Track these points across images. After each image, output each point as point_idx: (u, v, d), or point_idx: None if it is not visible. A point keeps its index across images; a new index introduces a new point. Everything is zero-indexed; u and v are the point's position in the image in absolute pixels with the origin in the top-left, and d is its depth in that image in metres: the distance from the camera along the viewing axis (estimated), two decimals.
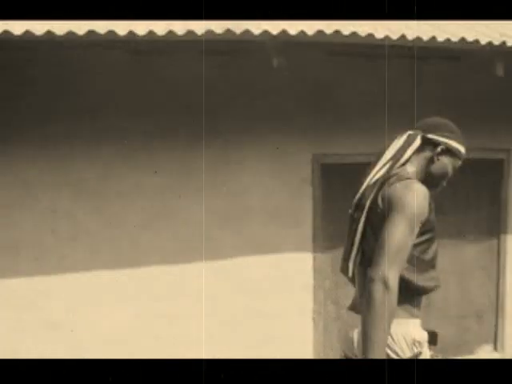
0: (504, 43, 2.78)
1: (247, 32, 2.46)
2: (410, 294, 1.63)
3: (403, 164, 1.67)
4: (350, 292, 3.49)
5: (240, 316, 3.30)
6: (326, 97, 3.28)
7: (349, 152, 3.30)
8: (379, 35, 2.58)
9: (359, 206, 1.67)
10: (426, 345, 1.64)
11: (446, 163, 1.73)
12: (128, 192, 3.12)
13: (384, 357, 1.48)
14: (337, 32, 2.53)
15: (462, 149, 1.77)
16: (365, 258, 1.63)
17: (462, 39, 2.70)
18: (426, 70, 3.32)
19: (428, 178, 1.70)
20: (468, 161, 3.64)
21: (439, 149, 1.70)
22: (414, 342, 1.59)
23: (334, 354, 3.51)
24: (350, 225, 1.73)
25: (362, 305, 1.52)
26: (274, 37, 2.50)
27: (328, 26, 2.56)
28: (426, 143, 1.70)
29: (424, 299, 1.77)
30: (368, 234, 1.62)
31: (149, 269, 3.21)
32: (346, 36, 2.55)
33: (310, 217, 3.31)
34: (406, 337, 1.57)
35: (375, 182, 1.64)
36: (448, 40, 2.67)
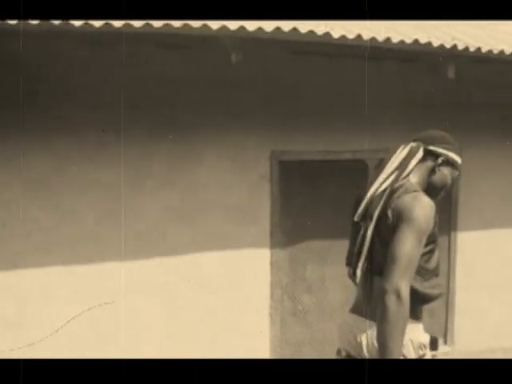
0: (455, 46, 2.88)
1: (205, 27, 2.46)
2: (416, 302, 1.68)
3: (407, 175, 1.76)
4: (306, 288, 3.58)
5: (197, 312, 3.30)
6: (285, 94, 3.31)
7: (307, 149, 3.35)
8: (335, 34, 2.63)
9: (366, 215, 1.73)
10: (428, 347, 1.75)
11: (445, 174, 1.82)
12: (83, 187, 3.07)
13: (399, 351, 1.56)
14: (294, 30, 2.56)
15: (459, 160, 1.87)
16: (372, 266, 1.71)
17: (416, 41, 2.78)
18: (383, 70, 3.41)
19: (429, 188, 1.80)
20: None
21: (440, 160, 1.80)
22: (420, 345, 1.69)
23: (290, 349, 3.56)
24: (355, 231, 1.79)
25: (372, 312, 1.65)
26: (232, 32, 2.51)
27: (288, 25, 2.59)
28: (428, 155, 1.79)
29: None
30: (376, 244, 1.69)
31: (104, 265, 3.16)
32: (303, 34, 2.58)
33: (267, 213, 3.33)
34: (413, 340, 1.66)
35: (382, 193, 1.71)
36: (402, 41, 2.75)
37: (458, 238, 3.83)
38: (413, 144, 1.81)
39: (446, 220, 3.82)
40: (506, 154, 3.88)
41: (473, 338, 3.98)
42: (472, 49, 2.91)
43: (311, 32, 2.59)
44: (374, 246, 1.70)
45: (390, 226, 1.63)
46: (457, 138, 3.81)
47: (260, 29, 2.51)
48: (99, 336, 3.10)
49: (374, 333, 1.64)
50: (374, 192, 1.74)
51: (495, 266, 3.94)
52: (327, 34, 2.62)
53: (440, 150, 1.81)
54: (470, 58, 3.07)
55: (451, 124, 3.68)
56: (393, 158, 1.79)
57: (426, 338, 1.73)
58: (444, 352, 3.97)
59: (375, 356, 1.66)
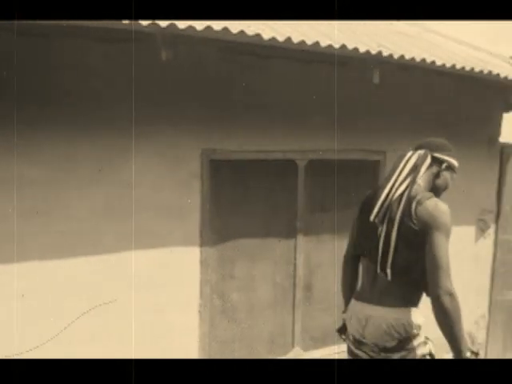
0: (380, 53, 3.00)
1: (135, 22, 2.40)
2: (420, 289, 2.03)
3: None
4: (235, 285, 3.59)
5: (125, 311, 3.22)
6: (217, 93, 3.30)
7: (238, 148, 3.37)
8: (266, 36, 2.66)
9: (386, 218, 1.98)
10: (422, 328, 2.04)
11: (447, 177, 2.11)
12: (6, 184, 2.91)
13: (467, 346, 1.86)
14: (225, 29, 2.56)
15: (457, 164, 2.14)
16: (393, 264, 1.97)
17: (343, 46, 2.87)
18: (313, 72, 3.48)
19: (433, 191, 2.05)
20: (349, 161, 3.93)
21: (444, 166, 2.08)
22: (416, 327, 1.99)
23: (219, 346, 3.57)
24: (373, 230, 2.03)
25: (376, 298, 2.03)
26: (163, 29, 2.47)
27: (220, 25, 2.58)
28: (433, 161, 2.06)
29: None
30: (399, 245, 1.94)
31: (29, 264, 3.01)
32: (233, 34, 2.59)
33: (197, 211, 3.32)
34: (413, 323, 1.98)
35: (400, 198, 1.96)
36: (330, 46, 2.82)
37: None
38: (420, 151, 2.05)
39: None
40: None
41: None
42: (396, 56, 3.05)
43: (241, 32, 2.60)
44: (397, 249, 1.95)
45: (415, 230, 1.90)
46: (380, 141, 4.00)
47: (190, 27, 2.49)
48: (22, 336, 2.96)
49: (376, 316, 2.02)
50: (389, 195, 1.99)
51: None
52: (257, 36, 2.64)
53: (444, 157, 2.08)
54: (397, 65, 3.21)
55: (377, 127, 3.86)
56: (402, 164, 2.04)
57: (422, 321, 2.02)
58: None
59: (375, 338, 2.02)
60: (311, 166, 3.64)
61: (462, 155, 4.30)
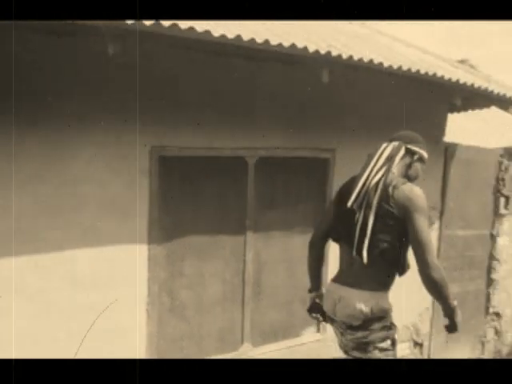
0: (329, 53, 3.03)
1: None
2: (395, 274, 2.21)
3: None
4: (184, 283, 3.56)
5: (72, 310, 3.14)
6: (166, 90, 3.24)
7: (187, 145, 3.33)
8: (215, 33, 2.63)
9: (363, 204, 2.11)
10: (391, 313, 2.20)
11: (418, 168, 2.28)
12: None
13: (452, 297, 2.09)
14: (174, 25, 2.51)
15: (427, 156, 2.31)
16: (370, 248, 2.09)
17: (293, 45, 2.87)
18: (263, 70, 3.48)
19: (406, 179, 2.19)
20: (299, 158, 3.95)
21: (416, 157, 2.25)
22: (384, 311, 2.14)
23: (167, 345, 3.54)
24: (351, 216, 2.15)
25: (352, 280, 2.17)
26: (109, 23, 2.40)
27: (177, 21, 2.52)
28: (406, 152, 2.23)
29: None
30: (375, 229, 2.08)
31: None
32: (183, 30, 2.54)
33: (146, 208, 3.26)
34: (380, 305, 2.13)
35: (377, 184, 2.10)
36: (280, 45, 2.82)
37: None
38: (395, 143, 2.21)
39: (320, 214, 4.02)
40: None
41: None
42: (345, 56, 3.08)
43: (191, 29, 2.56)
44: (373, 231, 2.08)
45: (393, 213, 2.06)
46: (329, 139, 4.06)
47: (140, 23, 2.43)
48: None
49: (347, 297, 2.17)
50: (366, 182, 2.12)
51: None
52: (207, 32, 2.61)
53: (416, 149, 2.26)
54: (347, 65, 3.25)
55: (327, 126, 3.91)
56: (378, 154, 2.18)
57: (389, 305, 2.18)
58: (317, 339, 4.21)
59: (343, 316, 2.18)
60: (261, 164, 3.64)
61: None
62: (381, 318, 2.13)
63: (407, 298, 4.60)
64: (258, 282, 3.83)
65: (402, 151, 2.21)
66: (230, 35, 2.68)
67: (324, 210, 4.02)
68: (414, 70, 3.44)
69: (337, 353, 4.21)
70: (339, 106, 3.93)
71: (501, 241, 5.28)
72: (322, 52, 3.00)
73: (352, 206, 2.13)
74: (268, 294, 3.90)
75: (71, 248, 3.11)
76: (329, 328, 4.21)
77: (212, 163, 3.49)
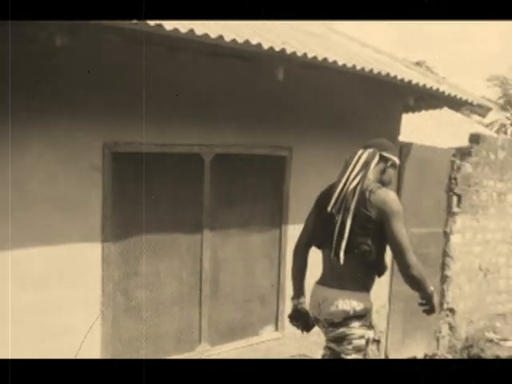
0: (284, 50, 3.05)
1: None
2: (375, 275, 2.36)
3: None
4: (139, 282, 3.49)
5: (23, 311, 3.03)
6: (120, 84, 3.19)
7: (141, 141, 3.28)
8: (168, 27, 2.60)
9: (342, 208, 2.25)
10: (371, 313, 2.34)
11: (391, 173, 2.45)
12: None
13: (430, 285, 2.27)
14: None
15: (398, 162, 2.52)
16: (348, 248, 2.23)
17: (247, 41, 2.88)
18: (220, 66, 3.46)
19: (380, 184, 2.35)
20: (257, 156, 3.95)
21: (389, 163, 2.42)
22: (362, 309, 2.27)
23: (123, 346, 3.47)
24: (330, 220, 2.28)
25: (336, 282, 2.31)
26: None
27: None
28: (380, 159, 2.38)
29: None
30: (353, 232, 2.21)
31: None
32: (134, 23, 2.50)
33: (98, 205, 3.19)
34: (360, 304, 2.27)
35: (354, 190, 2.24)
36: (234, 41, 2.82)
37: (288, 229, 4.08)
38: (369, 150, 2.36)
39: (278, 213, 4.05)
40: (329, 153, 4.22)
41: None
42: (299, 54, 3.11)
43: (144, 22, 2.53)
44: (351, 233, 2.22)
45: (369, 216, 2.21)
46: (286, 137, 4.07)
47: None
48: None
49: (330, 297, 2.30)
50: (344, 188, 2.28)
51: (320, 256, 4.28)
52: (159, 26, 2.58)
53: (389, 156, 2.42)
54: (303, 63, 3.27)
55: (284, 124, 3.93)
56: (354, 161, 2.34)
57: (370, 305, 2.33)
58: (275, 337, 4.22)
59: (326, 314, 2.32)
60: (218, 161, 3.63)
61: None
62: (361, 317, 2.27)
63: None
64: (216, 280, 3.81)
65: (377, 158, 2.36)
66: (183, 29, 2.66)
67: (281, 208, 4.06)
68: (367, 69, 3.50)
69: (296, 351, 4.24)
70: (296, 105, 3.96)
71: (454, 238, 5.43)
72: (277, 49, 3.02)
73: (331, 210, 2.28)
74: (226, 292, 3.88)
75: (20, 247, 3.01)
76: (287, 326, 4.23)
77: (168, 160, 3.45)
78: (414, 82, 3.83)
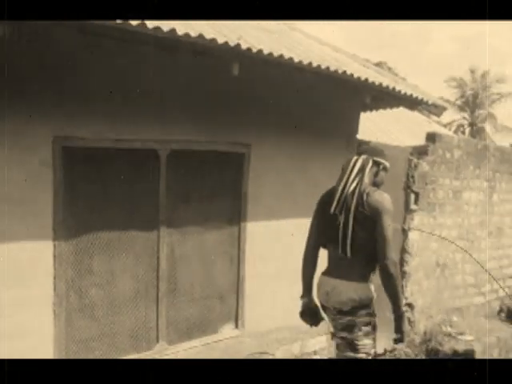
0: (238, 45, 3.04)
1: None
2: (373, 267, 2.58)
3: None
4: (93, 281, 3.41)
5: None
6: (72, 77, 3.11)
7: (94, 136, 3.21)
8: (118, 20, 2.55)
9: (343, 209, 2.54)
10: (373, 302, 2.59)
11: (383, 176, 2.73)
12: None
13: (403, 301, 2.67)
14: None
15: (388, 166, 2.75)
16: (351, 244, 2.51)
17: (201, 36, 2.85)
18: (176, 61, 3.41)
19: (374, 186, 2.63)
20: (214, 153, 3.93)
21: (381, 167, 2.70)
22: (367, 298, 2.53)
23: (77, 346, 3.39)
24: (334, 220, 2.58)
25: (341, 273, 2.58)
26: None
27: None
28: (373, 163, 2.65)
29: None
30: (355, 229, 2.50)
31: None
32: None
33: (49, 202, 3.11)
34: (365, 294, 2.54)
35: (353, 192, 2.54)
36: (187, 34, 2.79)
37: (247, 228, 4.07)
38: (363, 156, 2.65)
39: (236, 211, 4.04)
40: (288, 150, 4.25)
41: (262, 320, 4.28)
42: (254, 50, 3.11)
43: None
44: (354, 231, 2.50)
45: (368, 216, 2.49)
46: (245, 134, 4.06)
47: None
48: None
49: (339, 287, 2.56)
50: (344, 191, 2.57)
51: (279, 253, 4.30)
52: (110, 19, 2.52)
53: (381, 160, 2.70)
54: (261, 60, 3.27)
55: (243, 121, 3.92)
56: (351, 166, 2.63)
57: (374, 295, 2.58)
58: (235, 335, 4.20)
59: (335, 303, 2.57)
60: (174, 157, 3.59)
61: (323, 150, 4.56)
62: (365, 306, 2.54)
63: None
64: (173, 278, 3.76)
65: (371, 163, 2.65)
66: (133, 22, 2.61)
67: (240, 205, 4.05)
68: (323, 66, 3.53)
69: (256, 349, 4.23)
70: (255, 102, 3.96)
71: (411, 235, 5.53)
72: (232, 44, 3.01)
73: (334, 211, 2.58)
74: (184, 290, 3.84)
75: None
76: (247, 324, 4.23)
77: (122, 155, 3.39)
78: (370, 80, 3.89)
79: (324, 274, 2.72)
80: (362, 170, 2.62)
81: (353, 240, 2.51)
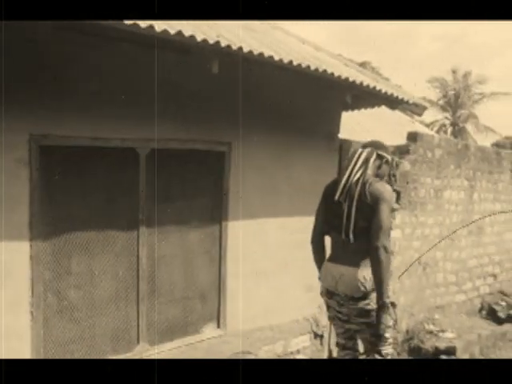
0: (218, 43, 3.02)
1: None
2: None
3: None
4: (72, 282, 3.36)
5: None
6: (50, 74, 3.06)
7: (72, 134, 3.16)
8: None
9: (346, 197, 2.72)
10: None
11: (386, 169, 2.91)
12: None
13: (389, 290, 2.63)
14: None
15: (391, 159, 2.94)
16: (354, 230, 2.68)
17: (179, 32, 2.82)
18: (155, 59, 3.36)
19: (376, 177, 2.79)
20: (195, 151, 3.90)
21: (384, 160, 2.87)
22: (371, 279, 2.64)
23: (56, 348, 3.33)
24: (338, 208, 2.74)
25: (346, 259, 2.72)
26: None
27: None
28: (377, 157, 2.82)
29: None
30: (357, 216, 2.66)
31: None
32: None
33: (26, 202, 3.05)
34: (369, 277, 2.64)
35: (357, 181, 2.71)
36: (165, 31, 2.76)
37: (228, 226, 4.05)
38: (368, 149, 2.82)
39: (217, 209, 4.01)
40: (270, 149, 4.24)
41: (244, 319, 4.27)
42: (234, 47, 3.09)
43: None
44: (356, 218, 2.67)
45: (369, 204, 2.65)
46: (226, 133, 4.04)
47: None
48: None
49: (348, 274, 2.69)
50: (348, 180, 2.74)
51: (261, 252, 4.28)
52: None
53: (384, 154, 2.87)
54: (243, 59, 3.24)
55: (223, 119, 3.90)
56: (355, 159, 2.79)
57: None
58: (217, 335, 4.17)
59: (346, 290, 2.71)
60: (154, 156, 3.55)
61: (305, 149, 4.55)
62: (373, 290, 2.64)
63: (307, 290, 4.71)
64: (154, 278, 3.73)
65: (374, 156, 2.82)
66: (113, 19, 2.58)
67: (221, 204, 4.03)
68: (304, 65, 3.52)
69: (238, 348, 4.21)
70: (236, 101, 3.92)
71: (393, 234, 5.56)
72: (211, 42, 2.98)
73: (339, 199, 2.74)
74: (165, 290, 3.81)
75: None
76: (229, 323, 4.20)
77: (100, 154, 3.34)
78: (350, 79, 3.89)
79: (329, 260, 2.87)
80: (366, 161, 2.79)
81: (355, 226, 2.67)
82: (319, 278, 2.95)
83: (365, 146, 2.88)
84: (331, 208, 2.80)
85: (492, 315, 6.89)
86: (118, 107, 3.30)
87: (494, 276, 7.52)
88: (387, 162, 2.90)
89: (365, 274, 2.65)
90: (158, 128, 3.50)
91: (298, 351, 4.76)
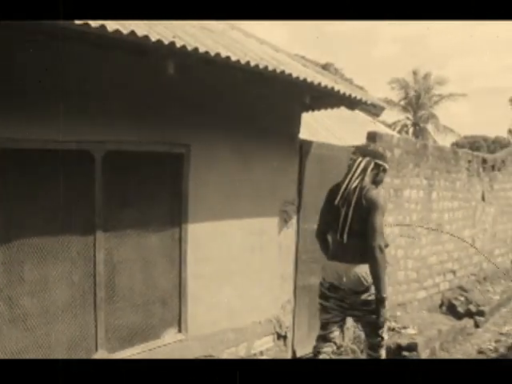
0: (173, 43, 2.97)
1: None
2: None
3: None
4: (25, 290, 3.25)
5: None
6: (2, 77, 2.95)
7: (22, 137, 3.04)
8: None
9: (345, 201, 3.10)
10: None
11: (382, 176, 3.30)
12: None
13: (386, 288, 3.07)
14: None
15: (388, 167, 3.34)
16: (349, 232, 3.09)
17: (132, 32, 2.77)
18: (112, 59, 3.30)
19: (374, 185, 3.19)
20: (153, 153, 3.84)
21: (381, 168, 3.25)
22: (367, 275, 3.10)
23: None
24: (337, 211, 3.15)
25: (346, 257, 3.14)
26: None
27: None
28: (374, 165, 3.19)
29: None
30: (353, 219, 3.05)
31: None
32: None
33: None
34: (365, 274, 3.10)
35: (355, 188, 3.08)
36: (117, 31, 2.70)
37: (188, 228, 4.00)
38: (367, 159, 3.19)
39: (177, 212, 3.95)
40: (231, 151, 4.21)
41: (206, 322, 4.23)
42: (190, 48, 3.05)
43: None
44: (353, 221, 3.07)
45: (365, 208, 3.02)
46: (184, 135, 3.99)
47: None
48: None
49: (351, 270, 3.10)
50: (347, 186, 3.11)
51: (223, 254, 4.25)
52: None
53: (382, 163, 3.24)
54: (202, 59, 3.21)
55: (181, 120, 3.85)
56: (355, 167, 3.17)
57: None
58: (179, 339, 4.12)
59: (351, 285, 3.13)
60: (110, 158, 3.46)
61: (266, 150, 4.54)
62: (372, 283, 3.07)
63: (269, 291, 4.71)
64: (112, 283, 3.64)
65: (372, 164, 3.16)
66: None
67: (180, 207, 3.98)
68: (261, 66, 3.51)
69: (200, 352, 4.16)
70: (195, 102, 3.89)
71: None
72: (166, 42, 2.94)
73: (338, 203, 3.11)
74: (123, 296, 3.72)
75: None
76: (191, 327, 4.15)
77: (55, 157, 3.23)
78: (308, 80, 3.91)
79: (330, 259, 3.25)
80: (364, 170, 3.13)
81: (351, 228, 3.05)
82: (322, 277, 3.32)
83: (364, 154, 3.23)
84: (331, 210, 3.17)
85: (452, 310, 7.08)
86: (74, 109, 3.20)
87: (454, 272, 7.72)
88: (384, 170, 3.26)
89: (364, 269, 3.06)
90: (115, 130, 3.43)
91: (262, 353, 4.75)
